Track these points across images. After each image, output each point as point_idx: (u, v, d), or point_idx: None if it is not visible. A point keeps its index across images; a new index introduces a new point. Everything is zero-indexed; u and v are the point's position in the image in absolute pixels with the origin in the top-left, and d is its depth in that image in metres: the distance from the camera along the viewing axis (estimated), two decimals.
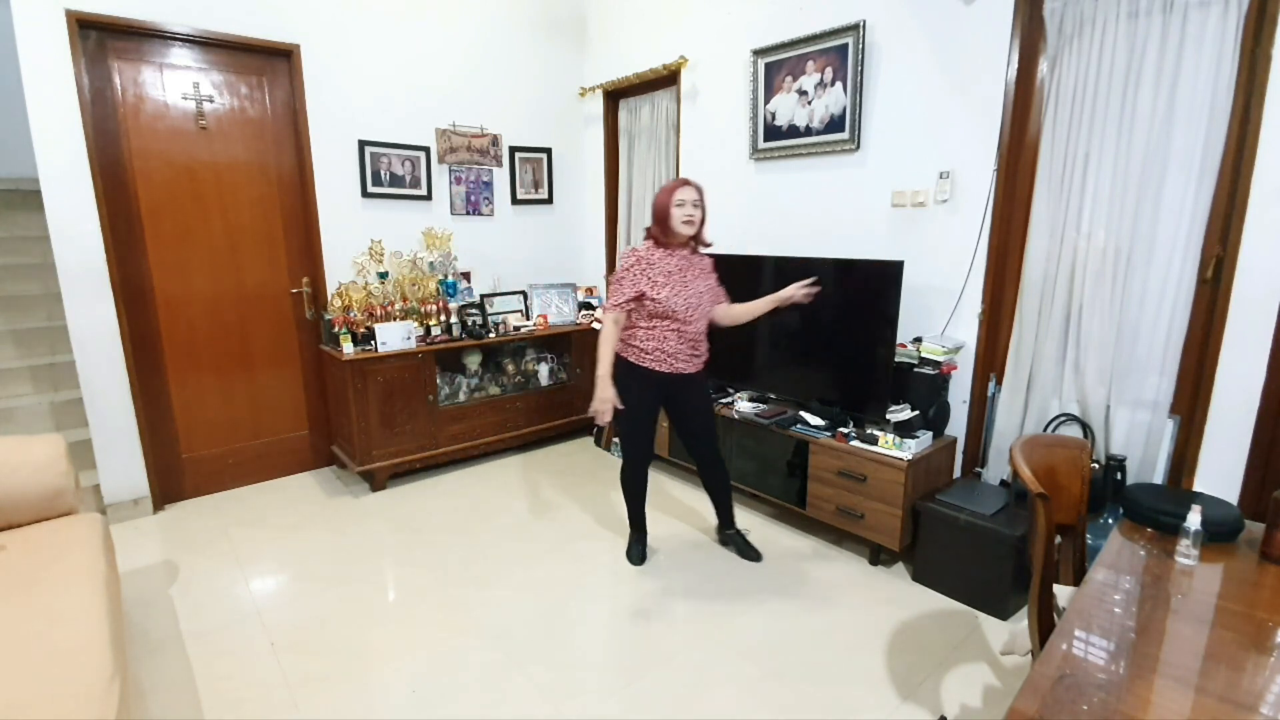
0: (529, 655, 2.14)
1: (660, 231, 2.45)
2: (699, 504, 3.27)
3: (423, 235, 3.82)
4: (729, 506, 2.81)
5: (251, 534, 2.98)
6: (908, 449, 2.51)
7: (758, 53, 3.29)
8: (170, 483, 3.30)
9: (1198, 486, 2.21)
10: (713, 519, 2.92)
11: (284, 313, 3.54)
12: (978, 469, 2.79)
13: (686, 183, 2.40)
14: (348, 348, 3.21)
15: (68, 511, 2.17)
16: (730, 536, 2.82)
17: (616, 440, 3.95)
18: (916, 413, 2.66)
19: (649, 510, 2.83)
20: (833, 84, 3.01)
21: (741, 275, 3.28)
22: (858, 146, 2.98)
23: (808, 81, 3.11)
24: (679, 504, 3.28)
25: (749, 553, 2.74)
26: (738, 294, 3.34)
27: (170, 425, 3.27)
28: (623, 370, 2.48)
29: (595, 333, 4.14)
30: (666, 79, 3.91)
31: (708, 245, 2.59)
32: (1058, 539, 1.62)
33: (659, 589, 2.52)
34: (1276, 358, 2.03)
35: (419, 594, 2.49)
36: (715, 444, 2.71)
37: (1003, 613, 2.32)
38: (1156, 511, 1.62)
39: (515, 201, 4.30)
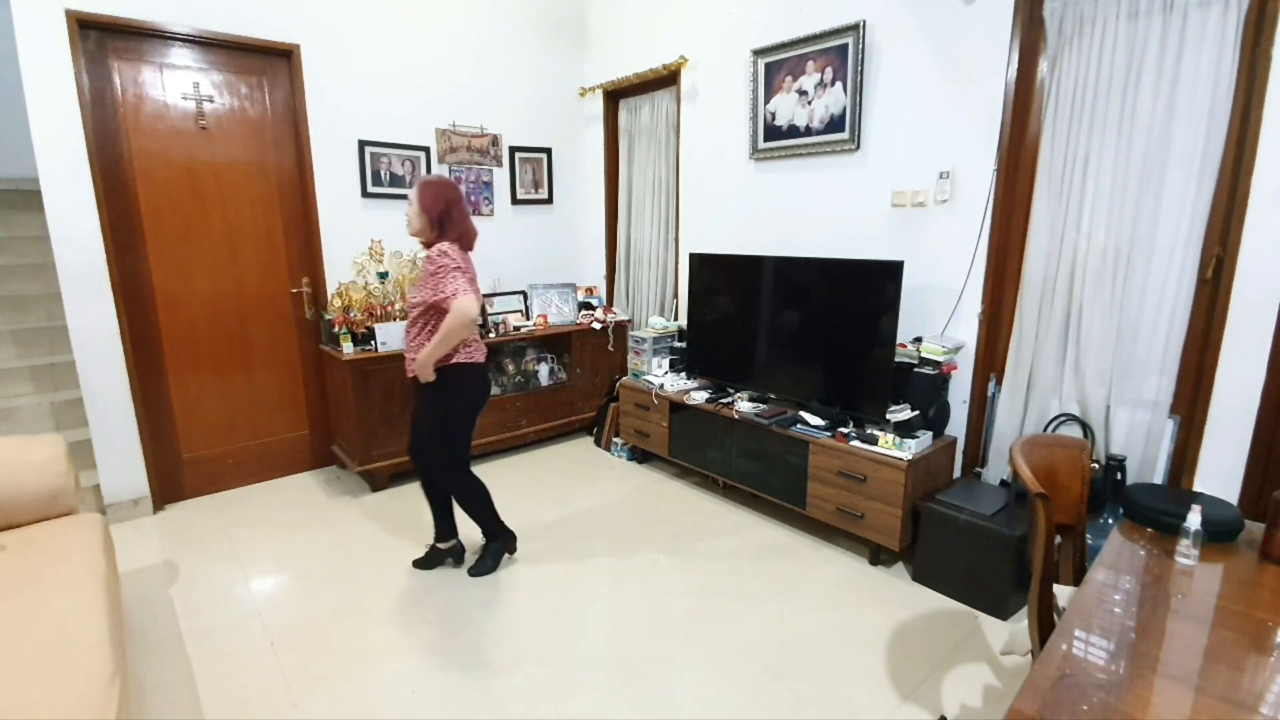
0: (529, 655, 2.13)
1: None
2: (700, 505, 3.27)
3: None
4: (447, 518, 2.65)
5: (251, 534, 2.98)
6: (908, 449, 2.51)
7: (758, 53, 3.29)
8: (170, 483, 3.30)
9: (1198, 486, 2.21)
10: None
11: (284, 313, 3.54)
12: (978, 469, 2.79)
13: None
14: (348, 348, 3.21)
15: (68, 511, 2.17)
16: (438, 553, 2.67)
17: (617, 439, 3.96)
18: (916, 413, 2.66)
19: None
20: (833, 84, 3.01)
21: (741, 275, 3.30)
22: (858, 146, 2.98)
23: (808, 81, 3.11)
24: (679, 504, 3.28)
25: (460, 562, 2.67)
26: (736, 294, 3.36)
27: (170, 425, 3.27)
28: None
29: (595, 333, 4.15)
30: (666, 79, 3.91)
31: (427, 248, 2.38)
32: (1058, 539, 1.62)
33: (658, 589, 2.52)
34: (1276, 358, 2.03)
35: (419, 594, 2.49)
36: (426, 452, 2.54)
37: (1003, 613, 2.32)
38: (1156, 511, 1.62)
39: (515, 201, 4.30)
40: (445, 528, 2.65)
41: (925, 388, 2.65)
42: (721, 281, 3.42)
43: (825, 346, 2.92)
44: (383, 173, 3.69)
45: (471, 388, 2.47)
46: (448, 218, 2.33)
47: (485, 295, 3.95)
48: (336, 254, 3.57)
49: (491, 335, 3.74)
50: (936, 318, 2.82)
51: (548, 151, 4.41)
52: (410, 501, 3.31)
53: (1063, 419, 2.53)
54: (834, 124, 3.04)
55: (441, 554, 2.67)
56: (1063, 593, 1.52)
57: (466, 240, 2.40)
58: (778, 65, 3.23)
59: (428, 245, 2.36)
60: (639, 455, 3.88)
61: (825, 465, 2.73)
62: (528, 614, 2.36)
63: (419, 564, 2.67)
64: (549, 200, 4.48)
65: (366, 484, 3.45)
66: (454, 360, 2.37)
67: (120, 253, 3.01)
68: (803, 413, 2.92)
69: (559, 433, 4.15)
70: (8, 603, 1.62)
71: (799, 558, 2.75)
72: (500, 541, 2.68)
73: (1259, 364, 2.06)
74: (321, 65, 3.41)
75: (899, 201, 2.86)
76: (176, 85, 3.09)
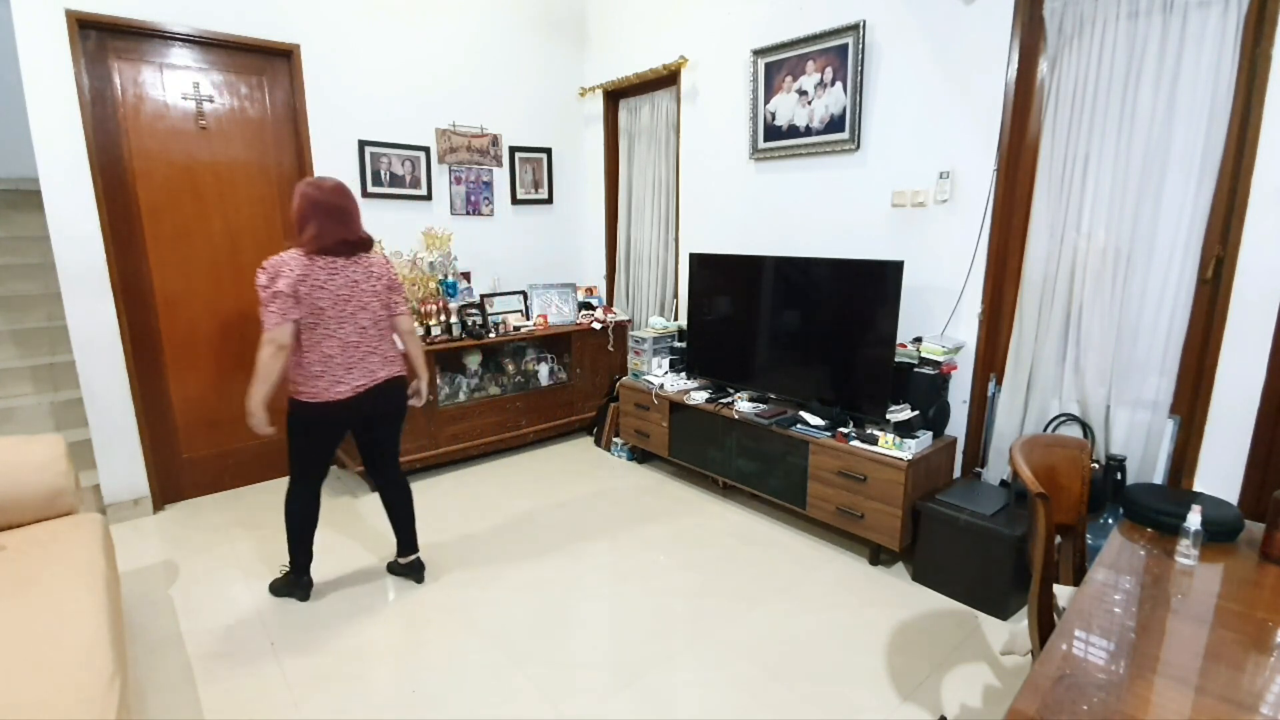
0: (529, 655, 2.14)
1: None
2: (699, 505, 3.27)
3: (422, 235, 3.83)
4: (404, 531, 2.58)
5: (251, 534, 2.98)
6: (908, 449, 2.51)
7: (758, 53, 3.29)
8: (170, 483, 3.30)
9: (1198, 486, 2.21)
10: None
11: None
12: (978, 469, 2.79)
13: None
14: None
15: (68, 511, 2.17)
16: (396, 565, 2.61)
17: (617, 439, 3.96)
18: (916, 413, 2.66)
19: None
20: (833, 84, 3.01)
21: (741, 275, 3.30)
22: (858, 146, 2.98)
23: (808, 81, 3.11)
24: (679, 504, 3.28)
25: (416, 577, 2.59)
26: (736, 294, 3.36)
27: (170, 425, 3.27)
28: None
29: (595, 333, 4.14)
30: (666, 79, 3.91)
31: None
32: (1058, 539, 1.62)
33: (658, 589, 2.52)
34: (1276, 358, 2.03)
35: (419, 594, 2.49)
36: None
37: (1003, 613, 2.32)
38: (1156, 511, 1.62)
39: (515, 201, 4.30)
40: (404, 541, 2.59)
41: (925, 388, 2.65)
42: (721, 281, 3.42)
43: (825, 346, 2.92)
44: (383, 173, 3.69)
45: (301, 428, 2.25)
46: (305, 225, 2.12)
47: (485, 295, 3.96)
48: None
49: (492, 335, 3.74)
50: (936, 318, 2.82)
51: (548, 151, 4.41)
52: None
53: (1063, 419, 2.53)
54: (834, 124, 3.04)
55: (400, 567, 2.60)
56: (1063, 593, 1.52)
57: (323, 241, 2.12)
58: (778, 65, 3.23)
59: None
60: (639, 455, 3.88)
61: (825, 465, 2.73)
62: (528, 614, 2.36)
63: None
64: (549, 200, 4.48)
65: (366, 484, 3.45)
66: (292, 394, 2.22)
67: (120, 253, 3.01)
68: (803, 413, 2.91)
69: (559, 433, 4.15)
70: (8, 603, 1.62)
71: (799, 558, 2.75)
72: (294, 576, 2.44)
73: (1259, 364, 2.06)
74: (321, 65, 3.41)
75: (899, 201, 2.86)
76: (176, 85, 3.09)
